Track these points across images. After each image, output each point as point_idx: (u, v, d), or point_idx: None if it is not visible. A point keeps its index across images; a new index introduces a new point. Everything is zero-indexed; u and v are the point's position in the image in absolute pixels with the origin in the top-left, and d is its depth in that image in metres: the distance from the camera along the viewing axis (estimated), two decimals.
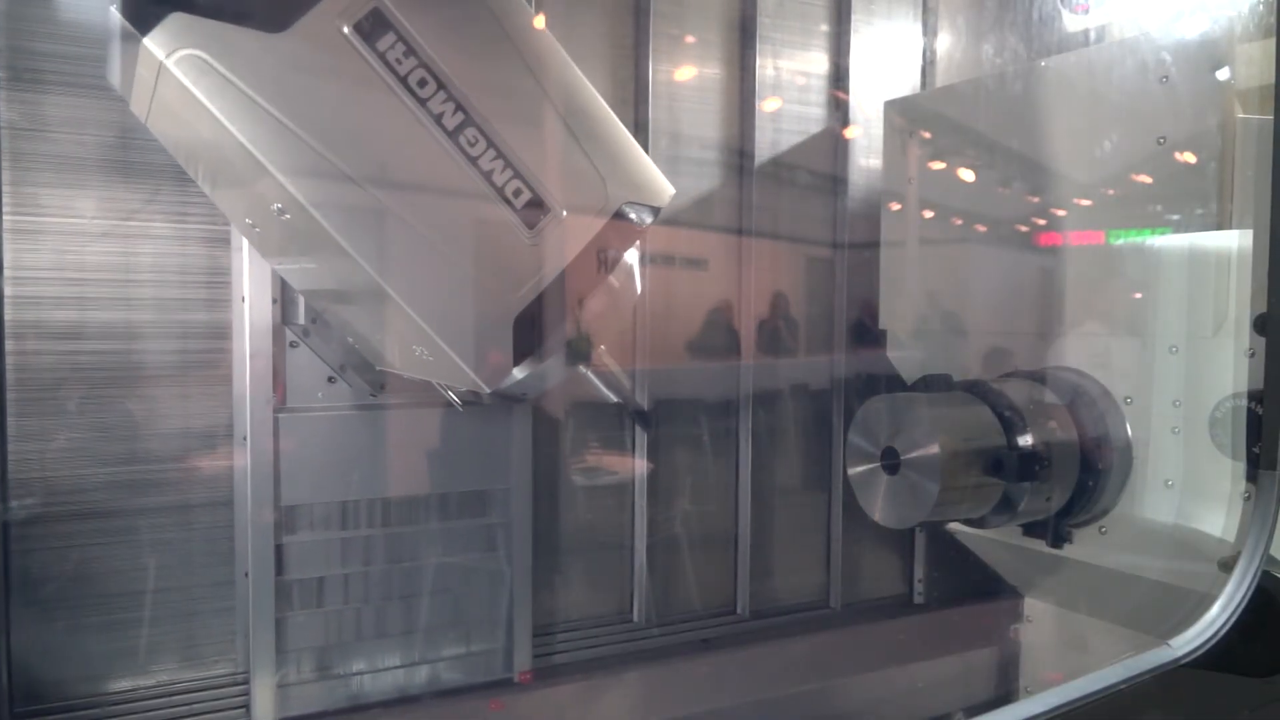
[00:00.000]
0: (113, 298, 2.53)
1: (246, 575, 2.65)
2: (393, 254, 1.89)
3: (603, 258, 2.11)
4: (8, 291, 2.42)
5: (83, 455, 2.52)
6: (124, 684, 2.60)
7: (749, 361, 3.43)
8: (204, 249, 2.62)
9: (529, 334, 1.99)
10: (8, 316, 2.41)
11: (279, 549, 2.66)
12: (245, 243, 2.58)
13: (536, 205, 1.98)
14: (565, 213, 2.01)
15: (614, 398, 2.70)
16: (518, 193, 1.96)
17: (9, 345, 2.42)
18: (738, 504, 3.46)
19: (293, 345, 2.66)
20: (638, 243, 2.24)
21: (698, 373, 3.41)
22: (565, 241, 2.01)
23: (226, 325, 2.65)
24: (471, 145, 1.93)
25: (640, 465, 3.29)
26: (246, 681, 2.68)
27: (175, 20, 1.71)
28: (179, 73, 1.72)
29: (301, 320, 2.67)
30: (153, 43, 1.70)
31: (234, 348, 2.65)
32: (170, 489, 2.62)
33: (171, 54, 1.71)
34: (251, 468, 2.62)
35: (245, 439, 2.63)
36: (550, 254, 2.00)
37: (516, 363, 2.00)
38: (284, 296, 2.65)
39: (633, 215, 2.12)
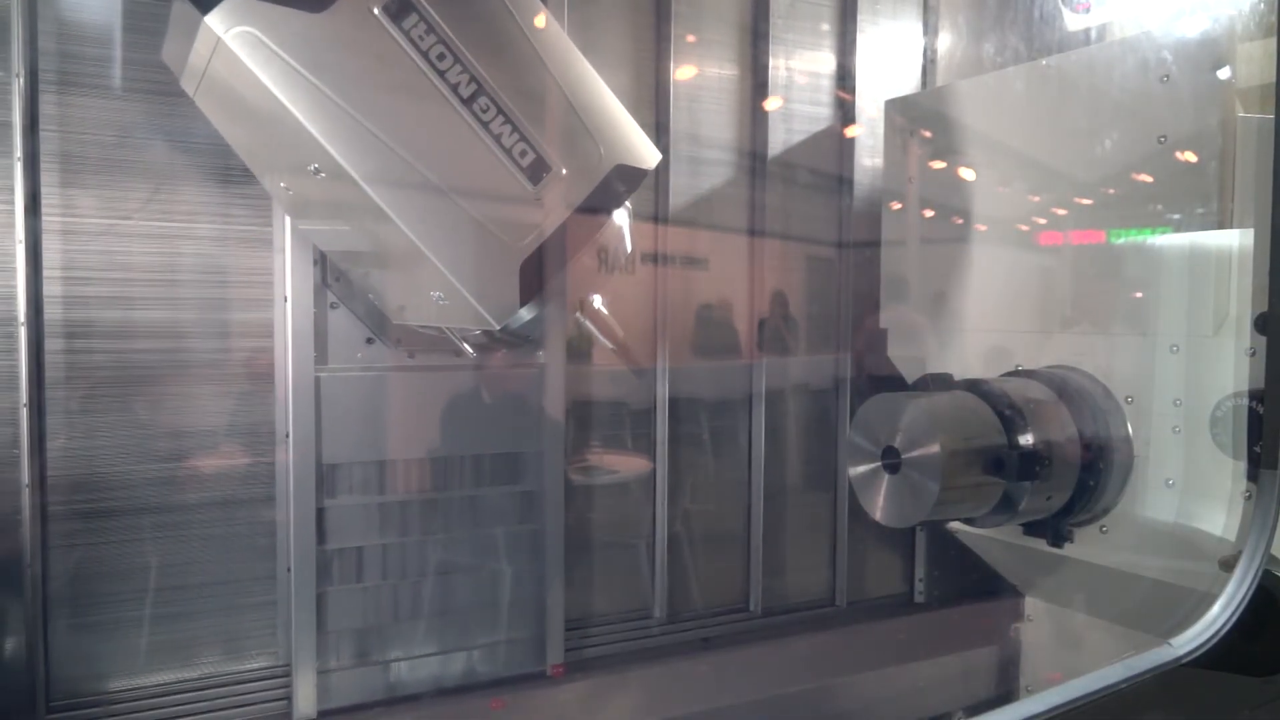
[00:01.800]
0: (158, 297, 2.58)
1: (289, 570, 2.70)
2: (416, 206, 2.14)
3: (597, 213, 2.37)
4: (58, 291, 2.47)
5: (126, 452, 2.56)
6: (167, 676, 2.64)
7: (761, 360, 3.45)
8: (246, 250, 2.67)
9: (533, 277, 2.24)
10: (59, 316, 2.47)
11: (320, 512, 2.72)
12: (287, 244, 2.66)
13: (539, 165, 2.23)
14: (565, 171, 2.25)
15: (609, 345, 2.87)
16: (523, 153, 2.22)
17: (60, 344, 2.47)
18: (750, 502, 3.48)
19: (333, 306, 2.74)
20: (628, 203, 2.50)
21: (709, 371, 3.43)
22: (564, 197, 2.26)
23: (269, 324, 2.68)
24: (484, 112, 2.19)
25: (652, 465, 3.30)
26: (288, 674, 2.71)
27: (232, 1, 1.97)
28: (234, 46, 1.97)
29: (326, 279, 2.73)
30: (213, 20, 1.96)
31: (275, 345, 2.69)
32: (212, 486, 2.66)
33: (229, 30, 1.96)
34: (294, 464, 2.66)
35: (287, 436, 2.67)
36: (551, 208, 2.25)
37: (523, 303, 2.24)
38: (325, 259, 2.71)
39: (623, 176, 2.35)
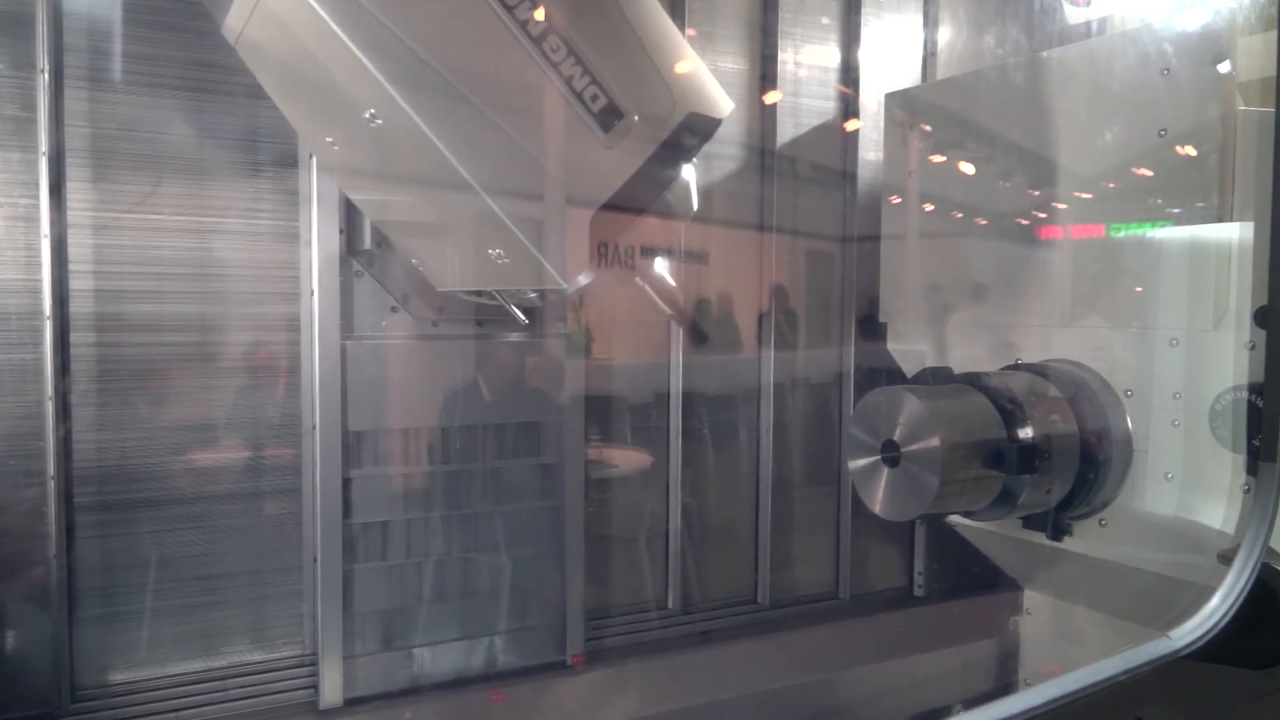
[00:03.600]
0: (188, 291, 2.61)
1: (315, 560, 2.71)
2: (481, 152, 1.98)
3: (669, 165, 2.18)
4: (90, 285, 2.50)
5: (155, 444, 2.59)
6: (192, 666, 2.68)
7: (769, 354, 3.46)
8: (275, 244, 2.69)
9: (603, 232, 2.10)
10: (91, 310, 2.50)
11: (345, 483, 2.74)
12: (315, 239, 2.64)
13: (611, 110, 2.07)
14: (637, 118, 2.09)
15: (667, 310, 2.73)
16: (595, 98, 2.06)
17: (91, 337, 2.50)
18: (758, 497, 3.49)
19: (358, 275, 2.73)
20: (695, 158, 2.34)
21: (718, 366, 3.43)
22: (636, 145, 2.09)
23: (295, 317, 2.71)
24: (554, 51, 2.02)
25: (657, 461, 3.31)
26: (315, 663, 2.75)
27: None
28: None
29: (367, 245, 2.68)
30: None
31: (303, 339, 2.71)
32: (240, 477, 2.70)
33: None
34: (320, 453, 2.69)
35: (314, 428, 2.68)
36: (623, 157, 2.08)
37: (593, 259, 2.11)
38: (350, 228, 2.70)
39: (697, 125, 2.17)
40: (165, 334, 2.58)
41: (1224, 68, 2.42)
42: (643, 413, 3.29)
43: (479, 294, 2.57)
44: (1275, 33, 2.18)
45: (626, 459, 3.27)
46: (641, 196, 2.15)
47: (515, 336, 2.96)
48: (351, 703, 2.76)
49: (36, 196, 2.41)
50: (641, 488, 3.32)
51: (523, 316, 2.60)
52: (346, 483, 2.73)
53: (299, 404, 2.73)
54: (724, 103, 2.26)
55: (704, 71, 2.25)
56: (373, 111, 1.97)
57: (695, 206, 2.47)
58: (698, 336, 3.22)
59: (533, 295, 2.42)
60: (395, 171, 2.22)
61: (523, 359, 3.00)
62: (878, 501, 2.69)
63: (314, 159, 2.65)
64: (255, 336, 2.70)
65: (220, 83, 2.57)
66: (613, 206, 2.08)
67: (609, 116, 2.06)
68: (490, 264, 2.13)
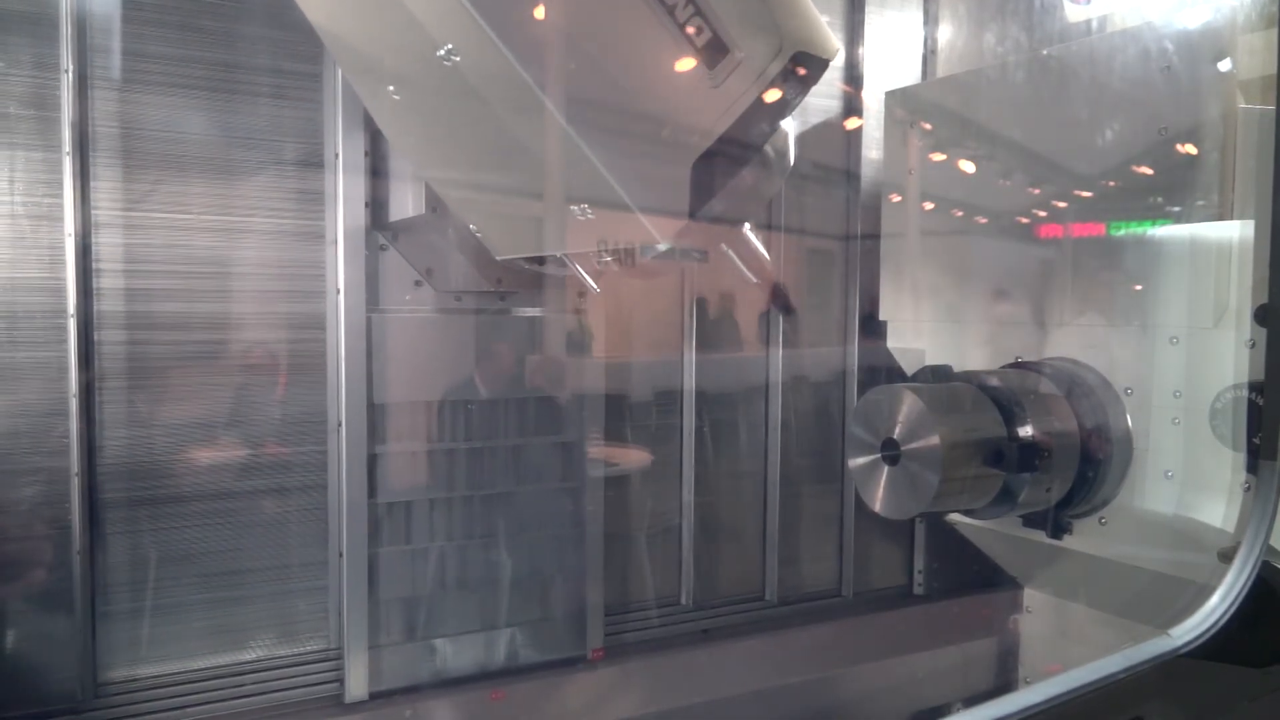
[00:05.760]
0: (215, 289, 2.62)
1: (341, 555, 2.71)
2: (572, 89, 1.76)
3: (774, 109, 1.96)
4: (120, 284, 2.51)
5: (177, 439, 2.60)
6: (212, 661, 2.68)
7: (772, 352, 3.46)
8: (300, 243, 2.70)
9: (704, 182, 1.87)
10: (120, 308, 2.51)
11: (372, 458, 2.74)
12: (340, 236, 2.63)
13: (716, 46, 1.86)
14: (742, 55, 1.88)
15: (754, 278, 2.58)
16: (699, 30, 1.84)
17: (120, 335, 2.51)
18: (766, 495, 3.49)
19: (382, 249, 2.73)
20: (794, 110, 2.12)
21: (726, 363, 3.44)
22: (742, 85, 1.88)
23: (321, 316, 2.72)
24: None
25: (670, 459, 3.31)
26: (340, 657, 2.76)
27: None
28: None
29: (419, 210, 2.60)
30: None
31: (328, 338, 2.71)
32: (267, 473, 2.70)
33: None
34: (346, 453, 2.69)
35: (340, 425, 2.69)
36: (727, 97, 1.87)
37: (693, 213, 1.88)
38: (374, 201, 2.70)
39: (804, 66, 1.97)
40: (188, 331, 2.58)
41: (1224, 65, 2.42)
42: (647, 410, 3.30)
43: (542, 261, 2.37)
44: (1276, 30, 2.18)
45: (629, 457, 3.28)
46: (744, 145, 1.91)
47: (533, 311, 2.94)
48: (377, 696, 2.77)
49: (60, 195, 2.41)
50: (644, 485, 3.32)
51: (595, 285, 2.38)
52: (370, 468, 2.74)
53: (324, 400, 2.73)
54: (832, 43, 2.05)
55: (811, 9, 2.03)
56: (450, 47, 1.74)
57: (793, 162, 2.25)
58: (785, 308, 3.11)
59: (608, 259, 2.14)
60: (463, 120, 1.96)
61: (548, 329, 2.97)
62: (878, 500, 2.69)
63: (339, 159, 2.66)
64: (276, 334, 2.70)
65: (241, 82, 2.59)
66: (715, 154, 1.83)
67: (714, 52, 1.83)
68: (568, 224, 1.91)
